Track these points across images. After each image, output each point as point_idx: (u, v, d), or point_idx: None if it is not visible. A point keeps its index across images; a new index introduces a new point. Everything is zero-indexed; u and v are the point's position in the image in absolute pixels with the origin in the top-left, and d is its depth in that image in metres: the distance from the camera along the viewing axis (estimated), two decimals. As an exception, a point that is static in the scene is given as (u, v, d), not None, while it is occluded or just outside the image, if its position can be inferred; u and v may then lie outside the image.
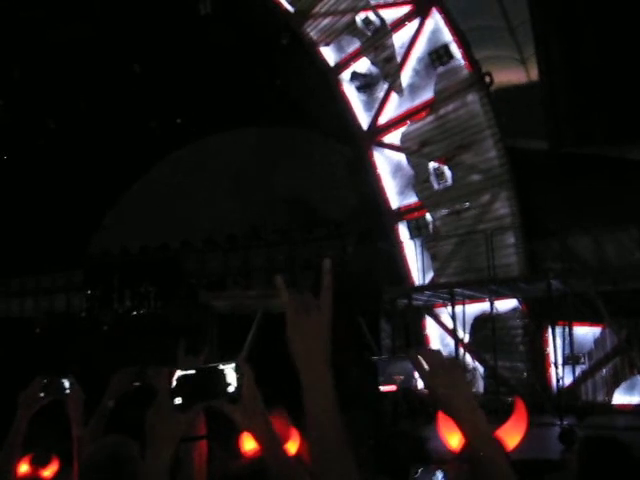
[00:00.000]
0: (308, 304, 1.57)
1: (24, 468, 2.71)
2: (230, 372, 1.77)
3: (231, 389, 1.75)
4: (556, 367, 12.46)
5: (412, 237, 14.90)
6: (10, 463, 2.86)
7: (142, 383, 3.32)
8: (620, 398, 12.29)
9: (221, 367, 1.78)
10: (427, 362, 1.67)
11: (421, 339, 14.48)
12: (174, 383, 1.78)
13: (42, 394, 3.06)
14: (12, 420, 2.99)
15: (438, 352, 1.71)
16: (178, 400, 1.77)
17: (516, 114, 14.22)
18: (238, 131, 19.29)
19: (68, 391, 3.12)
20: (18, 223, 19.05)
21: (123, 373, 3.51)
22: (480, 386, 13.77)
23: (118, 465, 2.43)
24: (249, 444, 3.07)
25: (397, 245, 14.88)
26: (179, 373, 1.80)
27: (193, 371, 1.80)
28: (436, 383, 1.65)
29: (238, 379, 1.75)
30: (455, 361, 1.72)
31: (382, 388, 12.74)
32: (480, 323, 13.94)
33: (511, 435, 4.65)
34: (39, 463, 2.77)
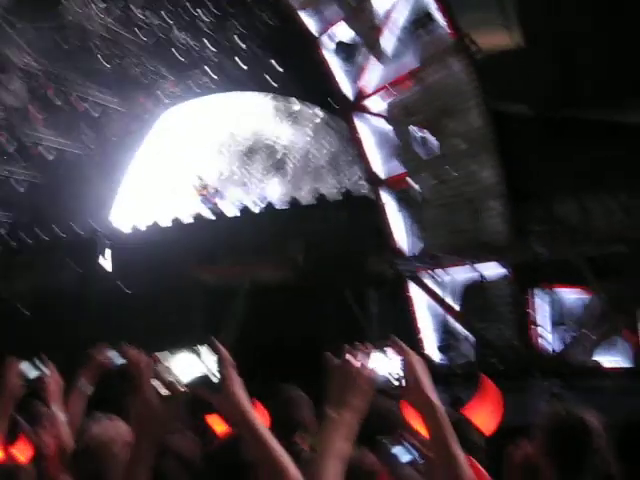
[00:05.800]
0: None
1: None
2: (209, 358, 1.76)
3: (213, 377, 1.73)
4: (542, 331, 12.57)
5: (399, 206, 14.87)
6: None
7: (123, 364, 3.30)
8: (605, 361, 12.44)
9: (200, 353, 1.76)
10: None
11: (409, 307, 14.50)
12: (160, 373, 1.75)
13: (22, 381, 3.03)
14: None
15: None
16: (163, 390, 1.75)
17: (501, 78, 14.10)
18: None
19: (44, 374, 3.09)
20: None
21: (100, 352, 3.50)
22: (471, 355, 13.77)
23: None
24: (219, 427, 3.09)
25: (383, 214, 14.85)
26: (165, 364, 1.77)
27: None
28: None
29: (218, 366, 1.74)
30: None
31: None
32: (469, 291, 13.97)
33: (487, 421, 4.52)
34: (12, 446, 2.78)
